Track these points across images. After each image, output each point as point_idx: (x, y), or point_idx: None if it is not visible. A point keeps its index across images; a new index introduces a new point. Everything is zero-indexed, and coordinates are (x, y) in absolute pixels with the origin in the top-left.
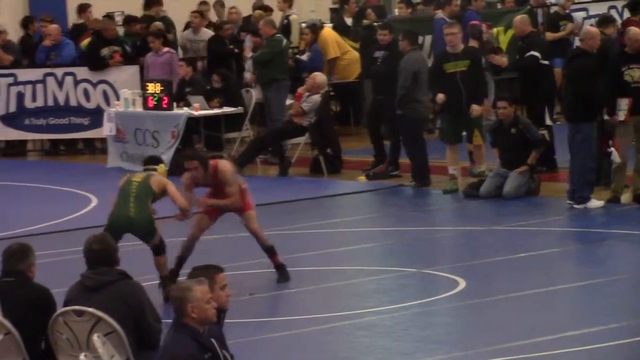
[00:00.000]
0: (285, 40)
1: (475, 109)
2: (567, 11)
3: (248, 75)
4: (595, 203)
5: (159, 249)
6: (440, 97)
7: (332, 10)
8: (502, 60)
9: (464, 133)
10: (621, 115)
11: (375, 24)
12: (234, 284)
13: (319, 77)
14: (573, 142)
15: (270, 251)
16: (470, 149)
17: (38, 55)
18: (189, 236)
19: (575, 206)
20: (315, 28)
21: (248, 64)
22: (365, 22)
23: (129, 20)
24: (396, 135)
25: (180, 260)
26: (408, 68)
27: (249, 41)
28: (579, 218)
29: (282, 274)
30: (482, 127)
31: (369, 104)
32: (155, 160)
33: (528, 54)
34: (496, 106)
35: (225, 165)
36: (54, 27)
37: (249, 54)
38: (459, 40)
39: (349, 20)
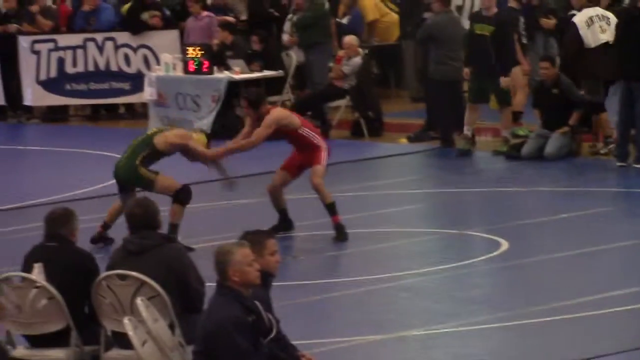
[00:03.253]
0: (327, 3)
1: (504, 80)
2: None
3: (286, 37)
4: None
5: (174, 197)
6: (465, 71)
7: None
8: (550, 22)
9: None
10: None
11: None
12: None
13: (348, 38)
14: (627, 100)
15: (330, 208)
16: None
17: (77, 21)
18: (268, 191)
19: (636, 165)
20: None
21: (286, 26)
22: None
23: None
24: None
25: (280, 213)
26: (425, 30)
27: None
28: (620, 178)
29: (340, 234)
30: (505, 92)
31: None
32: None
33: (570, 13)
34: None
35: (275, 111)
36: None
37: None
38: (493, 3)
39: None
